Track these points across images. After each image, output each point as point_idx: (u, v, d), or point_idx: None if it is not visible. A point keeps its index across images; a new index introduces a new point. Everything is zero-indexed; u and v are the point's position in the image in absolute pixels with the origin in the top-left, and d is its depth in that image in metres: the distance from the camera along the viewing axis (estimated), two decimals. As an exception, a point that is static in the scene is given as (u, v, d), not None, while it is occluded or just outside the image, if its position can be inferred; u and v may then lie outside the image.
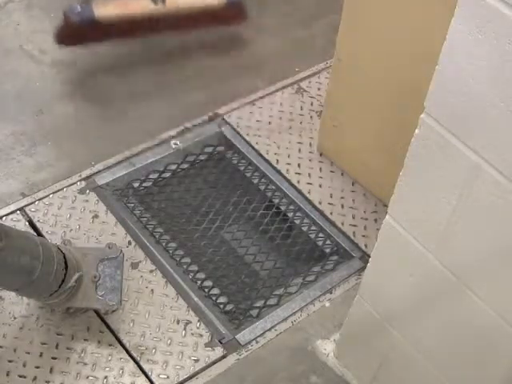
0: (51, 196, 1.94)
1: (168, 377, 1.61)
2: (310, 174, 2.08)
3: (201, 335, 1.68)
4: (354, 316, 1.49)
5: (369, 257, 1.36)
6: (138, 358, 1.63)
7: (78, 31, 1.90)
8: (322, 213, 1.99)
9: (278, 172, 2.08)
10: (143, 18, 1.77)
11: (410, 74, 1.60)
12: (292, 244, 1.93)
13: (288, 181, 2.06)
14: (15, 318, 1.67)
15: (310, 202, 2.02)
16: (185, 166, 2.09)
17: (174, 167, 2.08)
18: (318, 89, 2.34)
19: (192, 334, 1.68)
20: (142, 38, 2.13)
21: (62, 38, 2.13)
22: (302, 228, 1.97)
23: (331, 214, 1.98)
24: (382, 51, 1.72)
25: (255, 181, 2.08)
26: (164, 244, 1.88)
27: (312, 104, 2.30)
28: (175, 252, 1.86)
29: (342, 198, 2.03)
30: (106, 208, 1.92)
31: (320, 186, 2.06)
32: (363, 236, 1.94)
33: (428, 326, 1.27)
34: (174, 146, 2.02)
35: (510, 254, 1.02)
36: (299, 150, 2.15)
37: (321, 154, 2.14)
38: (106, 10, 1.75)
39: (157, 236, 1.89)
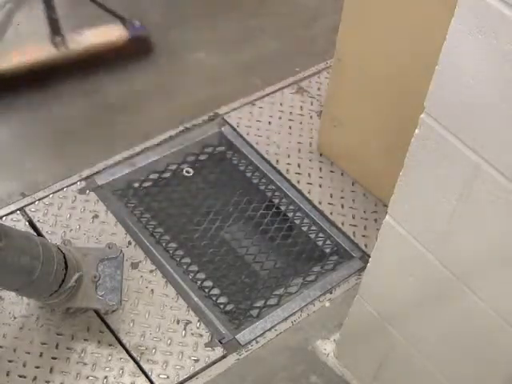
0: (51, 196, 1.94)
1: (168, 377, 1.61)
2: (309, 174, 2.08)
3: (201, 335, 1.68)
4: (353, 316, 1.49)
5: (369, 257, 1.36)
6: (138, 358, 1.63)
7: None
8: (322, 213, 1.99)
9: (278, 172, 2.08)
10: (45, 63, 1.68)
11: (409, 73, 1.60)
12: (292, 244, 1.93)
13: (288, 181, 2.06)
14: (15, 318, 1.67)
15: (310, 201, 2.02)
16: (185, 166, 2.09)
17: (174, 167, 2.08)
18: (318, 89, 2.34)
19: (192, 333, 1.68)
20: (42, 85, 1.99)
21: None
22: (302, 228, 1.97)
23: (331, 214, 1.98)
24: (382, 51, 1.72)
25: (255, 181, 2.08)
26: (164, 244, 1.88)
27: (312, 104, 2.30)
28: (175, 252, 1.86)
29: (342, 198, 2.03)
30: (105, 208, 1.92)
31: (320, 186, 2.06)
32: (363, 236, 1.94)
33: (428, 326, 1.27)
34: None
35: (509, 253, 1.02)
36: (299, 150, 2.15)
37: (321, 154, 2.14)
38: (5, 60, 1.66)
39: (157, 236, 1.89)
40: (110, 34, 1.71)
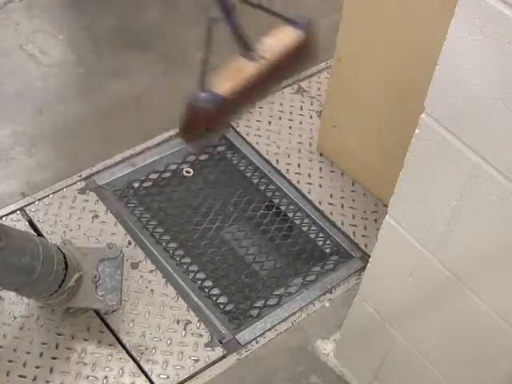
0: (51, 196, 1.94)
1: (168, 377, 1.61)
2: (309, 174, 2.08)
3: (201, 335, 1.68)
4: (353, 316, 1.49)
5: (369, 257, 1.36)
6: (138, 358, 1.63)
7: (210, 118, 1.54)
8: (322, 213, 1.99)
9: (278, 172, 2.08)
10: (256, 79, 1.60)
11: (409, 73, 1.60)
12: (292, 244, 1.93)
13: (288, 181, 2.06)
14: (15, 318, 1.67)
15: (310, 201, 2.02)
16: (185, 166, 2.09)
17: (174, 167, 2.08)
18: (318, 89, 2.34)
19: (192, 333, 1.68)
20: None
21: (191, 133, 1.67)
22: (302, 228, 1.97)
23: (331, 214, 1.98)
24: (382, 51, 1.72)
25: (255, 181, 2.08)
26: (164, 244, 1.88)
27: (312, 104, 2.30)
28: (175, 252, 1.86)
29: (342, 197, 2.03)
30: (105, 208, 1.92)
31: (320, 186, 2.06)
32: (363, 236, 1.94)
33: (428, 326, 1.27)
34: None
35: (510, 253, 1.02)
36: (299, 150, 2.15)
37: (321, 154, 2.14)
38: (226, 85, 1.54)
39: (157, 236, 1.89)
40: (288, 36, 1.65)
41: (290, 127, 2.22)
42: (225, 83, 1.52)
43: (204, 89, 1.49)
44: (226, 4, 1.45)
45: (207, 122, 1.56)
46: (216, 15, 1.43)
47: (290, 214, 2.00)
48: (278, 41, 1.64)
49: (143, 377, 1.60)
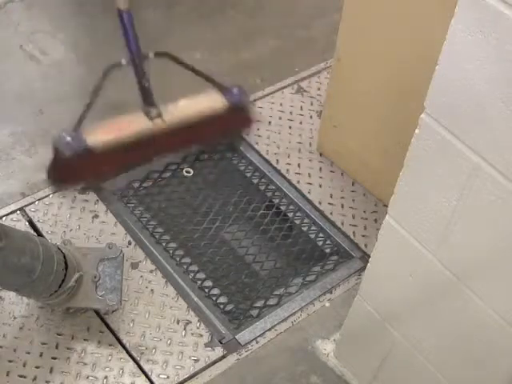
0: (51, 196, 1.94)
1: (168, 377, 1.61)
2: (310, 174, 2.08)
3: (201, 335, 1.68)
4: (353, 316, 1.49)
5: (369, 257, 1.36)
6: (138, 358, 1.63)
7: (71, 166, 1.46)
8: (322, 213, 1.99)
9: (278, 172, 2.08)
10: (141, 138, 1.44)
11: (409, 73, 1.60)
12: (292, 244, 1.93)
13: (288, 181, 2.06)
14: (15, 318, 1.67)
15: (310, 201, 2.02)
16: (185, 166, 2.09)
17: (174, 167, 2.08)
18: (318, 89, 2.34)
19: (192, 333, 1.68)
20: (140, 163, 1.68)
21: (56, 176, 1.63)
22: (302, 228, 1.97)
23: (331, 214, 1.98)
24: (382, 51, 1.72)
25: (255, 181, 2.08)
26: (164, 244, 1.88)
27: (312, 104, 2.30)
28: (175, 252, 1.86)
29: (342, 197, 2.03)
30: (105, 208, 1.92)
31: (320, 186, 2.06)
32: (363, 236, 1.94)
33: (428, 326, 1.27)
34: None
35: (510, 253, 1.02)
36: (299, 150, 2.15)
37: (321, 154, 2.14)
38: (98, 136, 1.40)
39: (157, 236, 1.89)
40: (207, 103, 1.48)
41: (290, 127, 2.22)
42: (103, 134, 1.39)
43: (74, 134, 1.38)
44: (134, 52, 1.33)
45: (67, 168, 1.46)
46: (121, 62, 1.32)
47: (290, 214, 2.00)
48: (193, 104, 1.48)
49: (143, 377, 1.60)
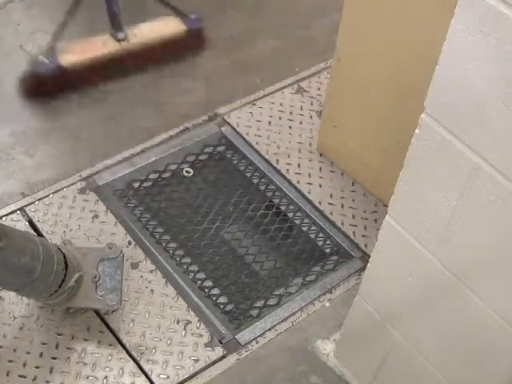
0: (51, 196, 1.94)
1: (168, 377, 1.61)
2: (310, 174, 2.08)
3: (201, 335, 1.68)
4: (353, 316, 1.49)
5: (369, 257, 1.36)
6: (138, 358, 1.63)
7: (44, 82, 1.85)
8: (322, 213, 1.99)
9: (278, 172, 2.08)
10: (108, 57, 1.74)
11: (409, 73, 1.60)
12: (292, 244, 1.93)
13: (288, 181, 2.06)
14: (15, 318, 1.67)
15: (310, 201, 2.02)
16: (185, 166, 2.09)
17: (174, 167, 2.08)
18: (318, 89, 2.34)
19: (192, 333, 1.68)
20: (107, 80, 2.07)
21: (28, 91, 2.06)
22: (302, 228, 1.97)
23: (331, 214, 1.98)
24: (382, 51, 1.72)
25: (255, 181, 2.08)
26: (164, 244, 1.88)
27: (312, 104, 2.30)
28: (175, 252, 1.86)
29: (342, 197, 2.03)
30: (105, 208, 1.92)
31: (320, 186, 2.06)
32: (363, 236, 1.94)
33: (428, 326, 1.27)
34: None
35: (510, 253, 1.02)
36: (299, 150, 2.15)
37: (321, 154, 2.14)
38: (71, 56, 1.70)
39: (157, 236, 1.89)
40: (167, 27, 1.77)
41: (290, 127, 2.22)
42: (74, 55, 1.64)
43: (49, 55, 1.65)
44: None
45: (42, 85, 1.75)
46: None
47: (290, 214, 2.00)
48: (155, 28, 1.75)
49: (143, 377, 1.60)
